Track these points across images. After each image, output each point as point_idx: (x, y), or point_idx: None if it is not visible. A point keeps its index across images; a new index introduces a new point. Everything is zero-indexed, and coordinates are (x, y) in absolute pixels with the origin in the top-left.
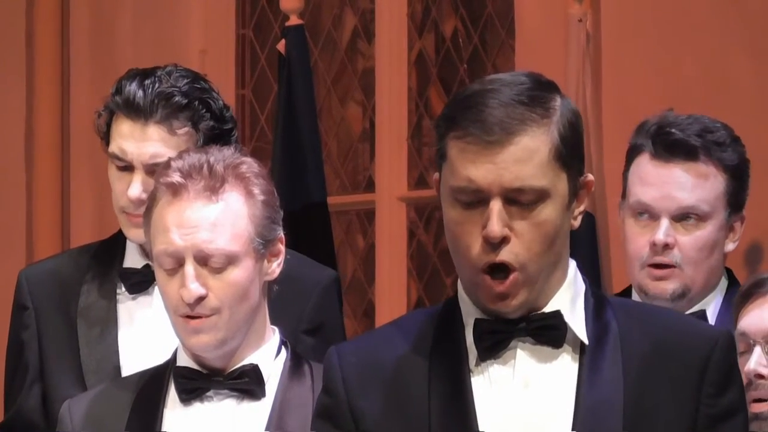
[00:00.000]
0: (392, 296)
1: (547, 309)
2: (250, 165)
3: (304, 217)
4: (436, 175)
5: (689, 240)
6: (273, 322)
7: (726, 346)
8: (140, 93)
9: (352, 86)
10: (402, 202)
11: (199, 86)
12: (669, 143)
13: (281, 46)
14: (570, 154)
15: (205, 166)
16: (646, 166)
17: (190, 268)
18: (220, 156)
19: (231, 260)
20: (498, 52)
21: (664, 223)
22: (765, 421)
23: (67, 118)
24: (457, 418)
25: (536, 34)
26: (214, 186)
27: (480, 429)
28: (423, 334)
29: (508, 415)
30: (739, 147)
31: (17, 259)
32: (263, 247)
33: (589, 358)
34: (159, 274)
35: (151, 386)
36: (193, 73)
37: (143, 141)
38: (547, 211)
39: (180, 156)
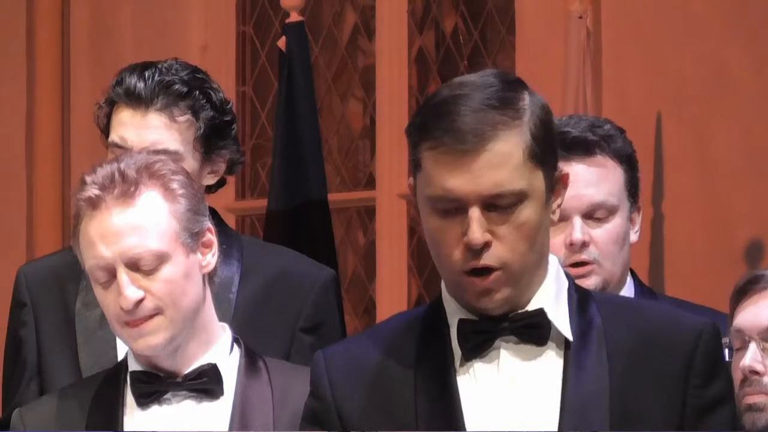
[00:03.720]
0: (393, 293)
1: (530, 307)
2: (164, 162)
3: (305, 214)
4: (411, 180)
5: (603, 234)
6: (270, 320)
7: (711, 338)
8: (141, 83)
9: (352, 83)
10: (402, 199)
11: (199, 77)
12: (567, 142)
13: (282, 43)
14: (543, 151)
15: (117, 173)
16: None
17: (123, 275)
18: (132, 160)
19: (161, 259)
20: (498, 49)
21: (578, 221)
22: (758, 413)
23: (67, 114)
24: (444, 418)
25: (536, 31)
26: (128, 191)
27: (466, 428)
28: (408, 335)
29: (495, 414)
30: (625, 138)
31: (18, 256)
32: (192, 240)
33: (573, 354)
34: (96, 290)
35: (106, 391)
36: (192, 66)
37: (144, 128)
38: (527, 212)
39: (93, 169)
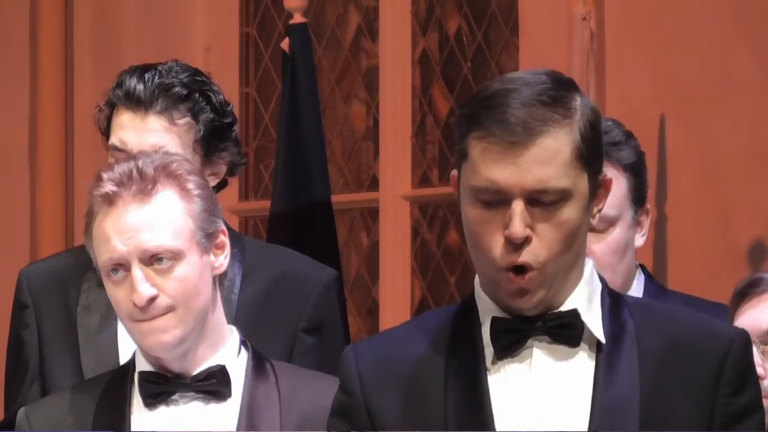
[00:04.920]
0: (396, 294)
1: (564, 308)
2: (180, 162)
3: (308, 216)
4: (454, 172)
5: (601, 246)
6: (272, 321)
7: (742, 346)
8: (140, 85)
9: (355, 84)
10: (406, 201)
11: (199, 79)
12: None
13: (285, 44)
14: (590, 153)
15: (135, 171)
16: None
17: (137, 271)
18: (149, 159)
19: (176, 257)
20: (502, 50)
21: None
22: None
23: (71, 116)
24: (474, 416)
25: (540, 32)
26: (146, 188)
27: (496, 427)
28: (440, 332)
29: (525, 414)
30: (633, 142)
31: (21, 257)
32: (206, 241)
33: (605, 356)
34: (107, 285)
35: (113, 391)
36: (193, 69)
37: (143, 131)
38: (569, 212)
39: (110, 166)
